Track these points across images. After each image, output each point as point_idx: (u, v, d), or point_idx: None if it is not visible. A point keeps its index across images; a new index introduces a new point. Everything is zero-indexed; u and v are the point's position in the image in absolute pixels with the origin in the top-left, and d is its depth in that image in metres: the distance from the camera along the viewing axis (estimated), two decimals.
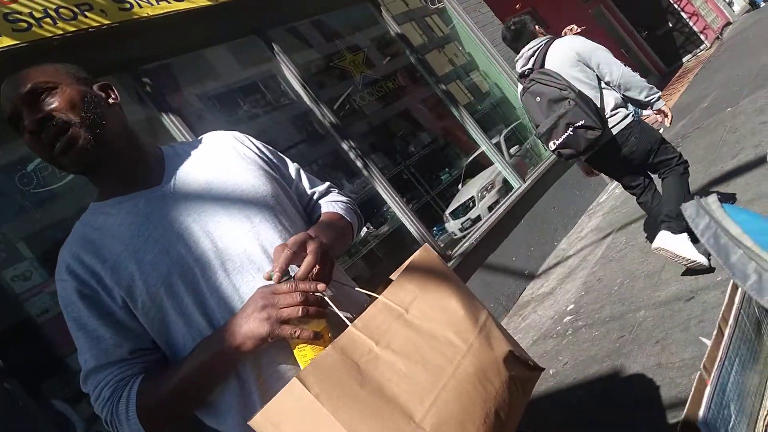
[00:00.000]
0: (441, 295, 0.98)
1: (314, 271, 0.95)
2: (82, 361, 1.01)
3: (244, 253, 1.02)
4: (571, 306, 3.56)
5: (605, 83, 2.90)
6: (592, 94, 2.83)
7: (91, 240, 1.04)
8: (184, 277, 1.00)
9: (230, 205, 1.07)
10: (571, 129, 2.74)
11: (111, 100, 1.11)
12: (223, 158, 1.15)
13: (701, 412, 0.77)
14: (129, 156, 1.09)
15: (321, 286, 0.93)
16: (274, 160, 1.23)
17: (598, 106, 2.83)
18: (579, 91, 2.75)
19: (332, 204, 1.28)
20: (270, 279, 0.95)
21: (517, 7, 9.54)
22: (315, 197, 1.29)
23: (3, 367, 2.38)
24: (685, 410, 0.77)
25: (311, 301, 0.92)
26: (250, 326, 0.92)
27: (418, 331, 0.90)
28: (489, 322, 0.99)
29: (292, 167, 1.28)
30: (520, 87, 3.10)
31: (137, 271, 0.99)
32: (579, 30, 7.26)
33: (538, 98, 2.87)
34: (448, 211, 5.60)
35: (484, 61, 6.30)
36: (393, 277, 1.02)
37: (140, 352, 1.02)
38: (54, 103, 1.00)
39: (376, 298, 0.95)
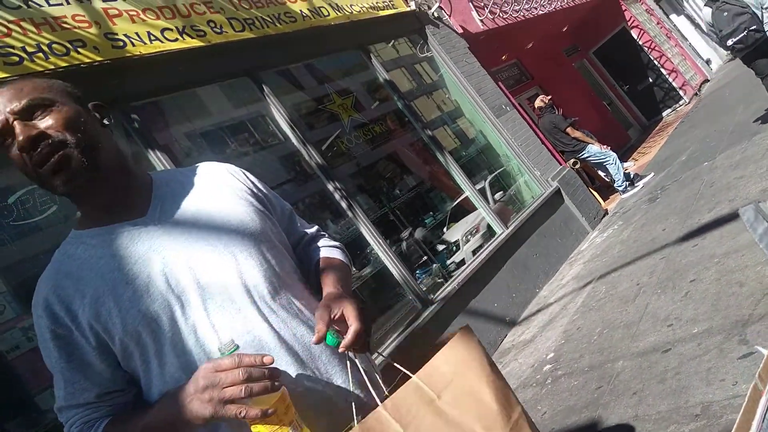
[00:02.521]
0: (476, 383, 0.95)
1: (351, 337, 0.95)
2: (56, 394, 1.01)
3: (226, 292, 1.01)
4: (551, 354, 3.55)
5: (764, 9, 4.78)
6: (759, 14, 4.75)
7: (68, 272, 1.01)
8: (163, 315, 0.98)
9: (215, 240, 1.04)
10: (746, 31, 4.74)
11: (105, 122, 1.10)
12: (212, 191, 1.13)
13: (755, 423, 0.73)
14: (119, 181, 1.06)
15: (267, 358, 0.88)
16: (266, 196, 1.22)
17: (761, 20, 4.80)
18: (752, 10, 4.74)
19: (331, 249, 1.26)
20: (318, 342, 0.94)
21: (503, 58, 9.83)
22: (306, 238, 1.29)
23: None
24: (738, 420, 0.74)
25: (256, 377, 0.86)
26: (192, 408, 0.89)
27: (446, 421, 0.88)
28: (521, 420, 0.96)
29: (285, 205, 1.27)
30: (708, 9, 5.04)
31: (115, 308, 0.97)
32: (548, 99, 7.71)
33: (725, 13, 4.85)
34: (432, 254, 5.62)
35: (470, 109, 6.45)
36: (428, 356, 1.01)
37: (108, 396, 1.00)
38: (49, 121, 0.97)
39: (410, 376, 0.93)
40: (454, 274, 4.95)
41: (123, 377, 1.02)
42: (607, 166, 7.32)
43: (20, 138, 0.94)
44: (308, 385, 1.00)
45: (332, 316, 0.97)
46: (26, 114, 0.96)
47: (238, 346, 0.90)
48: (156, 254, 1.01)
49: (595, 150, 7.40)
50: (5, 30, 3.14)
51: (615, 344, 3.06)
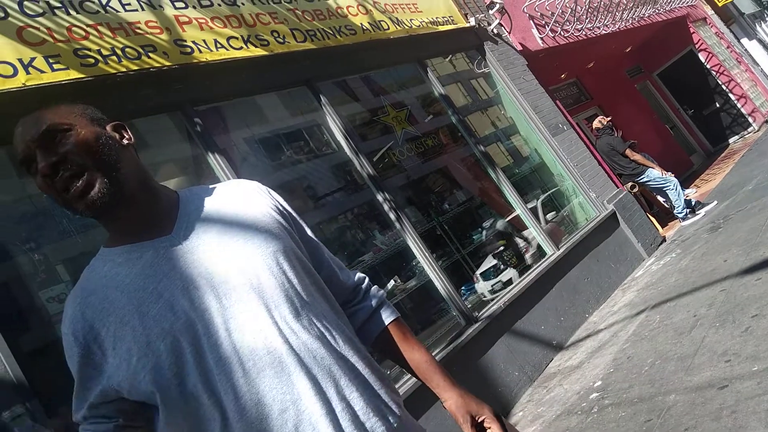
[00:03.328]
0: None
1: None
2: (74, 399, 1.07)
3: (248, 311, 1.00)
4: (599, 382, 3.43)
5: None
6: None
7: (94, 290, 1.04)
8: (186, 333, 0.98)
9: (239, 259, 1.04)
10: None
11: (125, 141, 1.10)
12: (237, 209, 1.13)
13: None
14: (142, 200, 1.07)
15: None
16: (290, 214, 1.21)
17: None
18: None
19: (398, 324, 1.27)
20: None
21: (562, 77, 9.68)
22: (341, 277, 1.26)
23: (27, 386, 2.42)
24: None
25: None
26: None
27: None
28: None
29: (308, 230, 1.25)
30: None
31: (140, 326, 0.98)
32: (607, 120, 7.52)
33: None
34: (478, 272, 5.55)
35: (525, 127, 6.37)
36: None
37: (93, 419, 1.05)
38: (68, 145, 0.99)
39: None
40: (500, 293, 4.87)
41: (116, 408, 1.04)
42: (667, 191, 7.06)
43: (41, 165, 0.98)
44: (325, 410, 0.99)
45: (478, 420, 1.13)
46: (45, 140, 0.99)
47: None
48: (180, 273, 1.02)
49: (655, 174, 7.15)
50: (83, 33, 3.33)
51: (667, 377, 2.93)
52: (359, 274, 1.31)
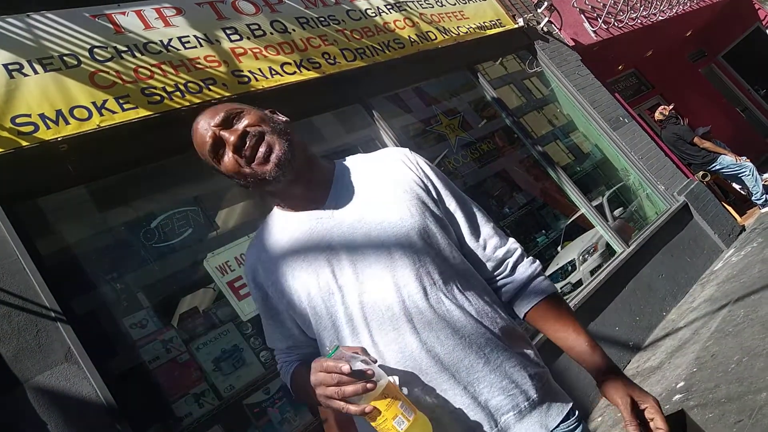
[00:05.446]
0: None
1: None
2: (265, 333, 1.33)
3: (380, 290, 1.08)
4: (682, 383, 3.28)
5: None
6: None
7: (266, 248, 1.22)
8: (327, 302, 1.11)
9: (375, 238, 1.12)
10: None
11: (283, 118, 1.25)
12: (379, 185, 1.19)
13: None
14: (306, 172, 1.19)
15: (345, 367, 0.94)
16: (434, 188, 1.21)
17: None
18: None
19: (551, 301, 1.24)
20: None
21: (619, 69, 9.37)
22: (487, 249, 1.22)
23: (117, 408, 2.56)
24: None
25: (344, 381, 0.95)
26: (314, 396, 1.04)
27: None
28: None
29: (453, 201, 1.22)
30: None
31: (293, 287, 1.15)
32: (669, 109, 7.17)
33: None
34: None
35: (584, 123, 6.21)
36: None
37: (296, 348, 1.27)
38: (246, 121, 1.14)
39: None
40: (570, 295, 4.74)
41: (308, 337, 1.24)
42: (743, 178, 6.68)
43: (231, 139, 1.12)
44: (457, 401, 1.06)
45: (640, 408, 1.05)
46: (226, 123, 1.14)
47: (338, 347, 0.99)
48: (327, 245, 1.14)
49: (728, 161, 6.78)
50: (149, 73, 3.54)
51: (757, 374, 2.76)
52: (511, 245, 1.25)
